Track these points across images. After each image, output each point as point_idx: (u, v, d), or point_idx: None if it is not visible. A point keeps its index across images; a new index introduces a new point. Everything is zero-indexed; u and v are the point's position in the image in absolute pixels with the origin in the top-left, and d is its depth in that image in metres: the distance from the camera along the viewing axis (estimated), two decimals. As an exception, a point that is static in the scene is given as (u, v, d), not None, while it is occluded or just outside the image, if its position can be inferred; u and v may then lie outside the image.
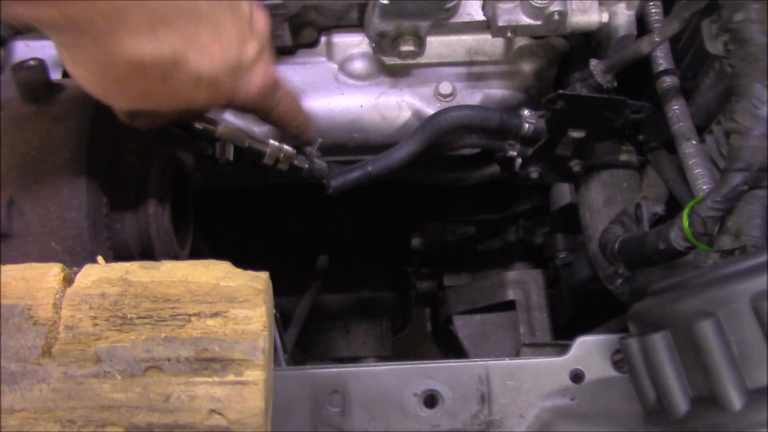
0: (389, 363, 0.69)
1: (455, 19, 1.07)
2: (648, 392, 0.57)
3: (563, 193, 1.24)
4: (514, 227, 1.43)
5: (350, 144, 1.15)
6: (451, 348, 1.41)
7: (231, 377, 0.51)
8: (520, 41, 1.13)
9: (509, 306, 1.32)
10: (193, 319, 0.53)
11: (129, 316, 0.52)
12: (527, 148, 1.10)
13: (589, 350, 0.69)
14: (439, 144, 1.11)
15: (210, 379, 0.51)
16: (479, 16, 1.06)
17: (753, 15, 0.83)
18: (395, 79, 1.14)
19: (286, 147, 1.05)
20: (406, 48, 1.06)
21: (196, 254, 1.20)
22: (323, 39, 1.13)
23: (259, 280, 0.57)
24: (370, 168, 1.07)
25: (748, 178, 0.80)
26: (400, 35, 1.05)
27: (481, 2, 1.05)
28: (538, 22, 1.01)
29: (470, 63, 1.15)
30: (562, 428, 0.63)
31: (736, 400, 0.52)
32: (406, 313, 1.58)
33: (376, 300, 1.51)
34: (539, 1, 0.98)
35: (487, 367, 0.67)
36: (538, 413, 0.66)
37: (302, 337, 1.45)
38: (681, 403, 0.55)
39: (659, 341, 0.56)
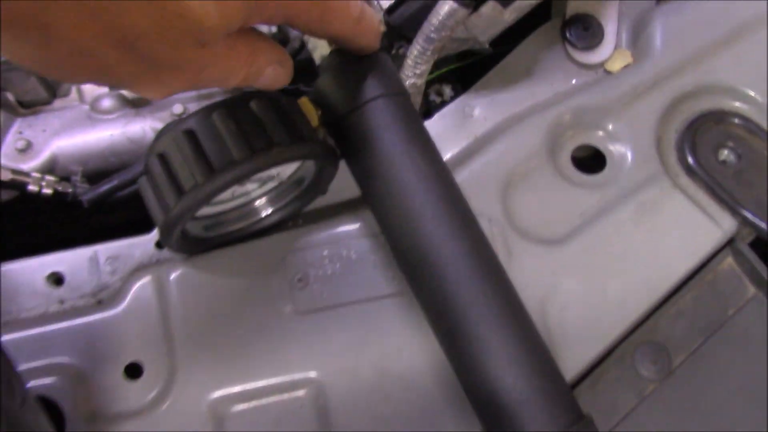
0: (20, 260, 0.91)
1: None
2: (156, 214, 0.78)
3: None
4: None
5: (110, 168, 1.38)
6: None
7: None
8: (236, 65, 1.40)
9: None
10: None
11: None
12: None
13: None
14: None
15: None
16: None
17: None
18: (138, 109, 1.39)
19: (48, 177, 1.29)
20: (128, 78, 1.33)
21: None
22: (73, 88, 1.40)
23: None
24: (116, 181, 1.30)
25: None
26: (121, 69, 1.33)
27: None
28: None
29: (198, 87, 1.41)
30: (141, 278, 0.86)
31: (204, 176, 0.72)
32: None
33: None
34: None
35: (96, 249, 0.91)
36: (133, 271, 0.89)
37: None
38: (172, 196, 0.73)
39: (155, 161, 0.77)
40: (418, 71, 0.91)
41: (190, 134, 0.76)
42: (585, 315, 0.86)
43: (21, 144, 1.37)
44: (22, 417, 0.59)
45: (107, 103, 1.41)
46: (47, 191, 1.29)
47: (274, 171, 0.85)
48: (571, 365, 0.84)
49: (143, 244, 0.90)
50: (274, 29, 1.32)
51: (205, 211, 0.85)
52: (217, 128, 0.77)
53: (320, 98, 0.82)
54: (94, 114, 1.41)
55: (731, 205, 0.89)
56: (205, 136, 0.77)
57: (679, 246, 0.88)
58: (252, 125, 0.77)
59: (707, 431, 0.87)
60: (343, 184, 0.89)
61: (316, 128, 0.81)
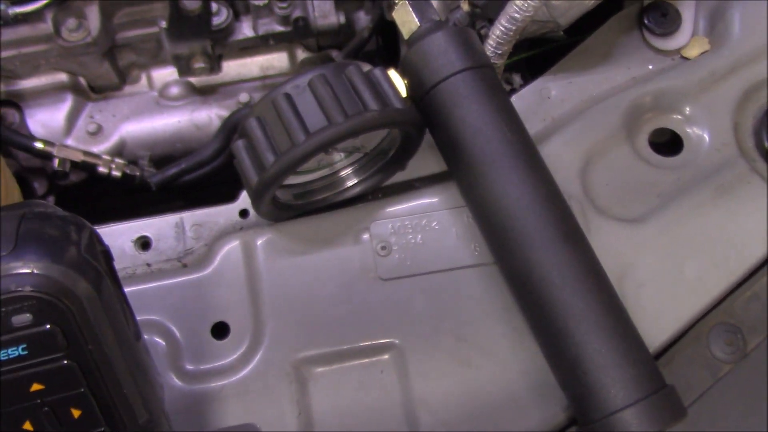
0: (108, 224, 0.94)
1: (234, 38, 1.38)
2: (251, 175, 0.81)
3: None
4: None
5: (176, 153, 1.42)
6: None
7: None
8: (302, 55, 1.43)
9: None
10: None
11: None
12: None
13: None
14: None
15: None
16: (251, 33, 1.37)
17: None
18: (205, 97, 1.42)
19: (117, 159, 1.33)
20: (198, 65, 1.36)
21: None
22: (143, 75, 1.43)
23: None
24: (183, 165, 1.34)
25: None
26: (192, 55, 1.36)
27: (251, 22, 1.37)
28: (288, 28, 1.32)
29: (264, 77, 1.44)
30: (229, 242, 0.89)
31: (301, 137, 0.75)
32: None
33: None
34: (281, 10, 1.30)
35: (182, 216, 0.93)
36: (217, 237, 0.91)
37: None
38: (270, 157, 0.76)
39: (253, 123, 0.81)
40: (499, 51, 0.92)
41: (288, 98, 0.79)
42: (661, 293, 0.86)
43: (92, 127, 1.41)
44: (137, 350, 0.61)
45: (175, 90, 1.44)
46: (116, 173, 1.32)
47: (359, 142, 0.88)
48: (647, 342, 0.85)
49: (227, 212, 0.92)
50: (342, 19, 1.35)
51: (296, 179, 0.88)
52: (314, 93, 0.79)
53: (408, 70, 0.85)
54: (163, 101, 1.44)
55: (809, 191, 0.90)
56: (302, 100, 0.79)
57: (755, 230, 0.89)
58: (346, 92, 0.79)
59: (781, 415, 0.87)
60: (421, 161, 0.92)
61: (406, 99, 0.83)
